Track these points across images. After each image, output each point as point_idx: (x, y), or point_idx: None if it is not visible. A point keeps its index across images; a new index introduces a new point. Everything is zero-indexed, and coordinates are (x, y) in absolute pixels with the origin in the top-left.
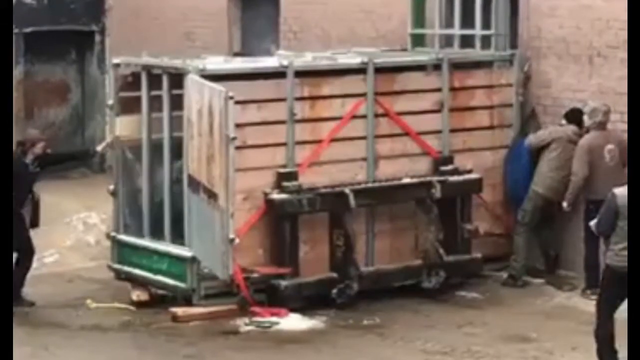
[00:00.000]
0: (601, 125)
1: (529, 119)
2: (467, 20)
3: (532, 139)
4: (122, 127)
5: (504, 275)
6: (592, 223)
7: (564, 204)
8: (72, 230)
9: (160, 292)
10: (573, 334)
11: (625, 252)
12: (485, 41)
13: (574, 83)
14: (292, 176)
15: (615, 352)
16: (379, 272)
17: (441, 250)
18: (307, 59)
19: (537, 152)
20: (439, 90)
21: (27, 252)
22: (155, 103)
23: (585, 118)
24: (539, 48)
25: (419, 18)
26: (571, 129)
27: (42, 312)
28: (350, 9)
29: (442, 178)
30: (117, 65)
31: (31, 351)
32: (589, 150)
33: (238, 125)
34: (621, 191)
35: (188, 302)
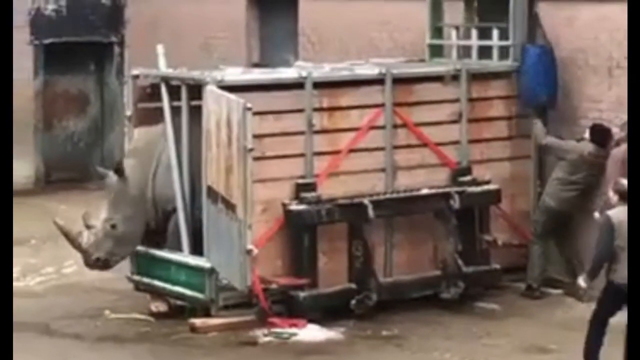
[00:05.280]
0: None
1: (534, 22)
2: (485, 31)
3: (554, 141)
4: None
5: (523, 286)
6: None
7: (596, 214)
8: None
9: (179, 303)
10: None
11: (620, 267)
12: (503, 52)
13: (593, 94)
14: (311, 187)
15: None
16: (397, 283)
17: (460, 261)
18: (325, 70)
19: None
20: (457, 100)
21: None
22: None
23: (617, 130)
24: (559, 58)
25: (437, 29)
26: (588, 149)
27: (61, 322)
28: (368, 20)
29: (460, 189)
30: (136, 77)
31: None
32: (622, 163)
33: (256, 136)
34: (614, 212)
35: (207, 313)
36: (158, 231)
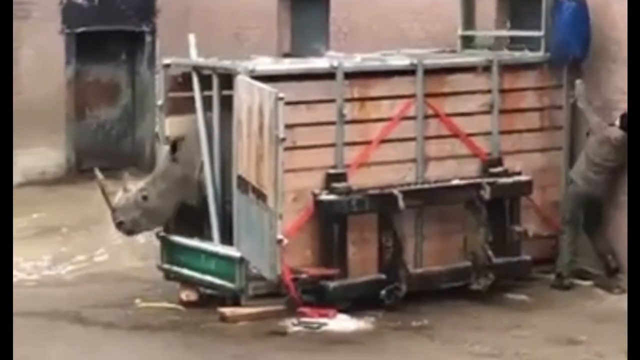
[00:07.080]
0: None
1: None
2: (517, 21)
3: (589, 113)
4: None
5: (553, 277)
6: None
7: None
8: None
9: (209, 292)
10: (624, 337)
11: None
12: (535, 43)
13: (625, 85)
14: (342, 177)
15: None
16: (427, 274)
17: (490, 252)
18: (356, 60)
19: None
20: (488, 91)
21: None
22: (205, 104)
23: None
24: (591, 49)
25: (469, 19)
26: (615, 134)
27: (91, 311)
28: (399, 10)
29: (491, 180)
30: (168, 66)
31: (81, 350)
32: None
33: (287, 126)
34: None
35: (236, 303)
36: (200, 211)
